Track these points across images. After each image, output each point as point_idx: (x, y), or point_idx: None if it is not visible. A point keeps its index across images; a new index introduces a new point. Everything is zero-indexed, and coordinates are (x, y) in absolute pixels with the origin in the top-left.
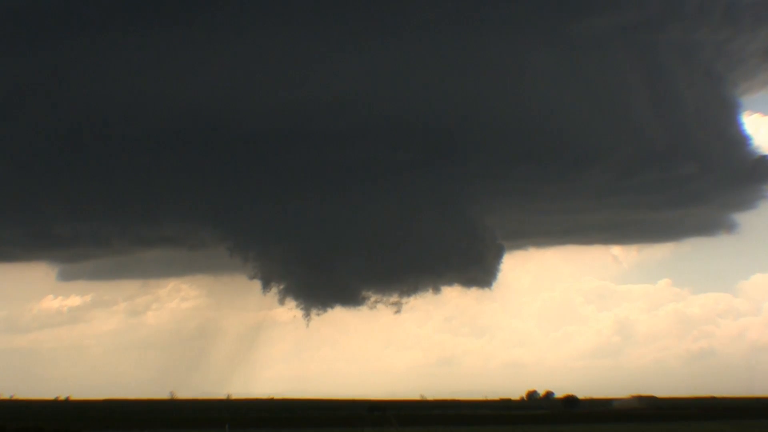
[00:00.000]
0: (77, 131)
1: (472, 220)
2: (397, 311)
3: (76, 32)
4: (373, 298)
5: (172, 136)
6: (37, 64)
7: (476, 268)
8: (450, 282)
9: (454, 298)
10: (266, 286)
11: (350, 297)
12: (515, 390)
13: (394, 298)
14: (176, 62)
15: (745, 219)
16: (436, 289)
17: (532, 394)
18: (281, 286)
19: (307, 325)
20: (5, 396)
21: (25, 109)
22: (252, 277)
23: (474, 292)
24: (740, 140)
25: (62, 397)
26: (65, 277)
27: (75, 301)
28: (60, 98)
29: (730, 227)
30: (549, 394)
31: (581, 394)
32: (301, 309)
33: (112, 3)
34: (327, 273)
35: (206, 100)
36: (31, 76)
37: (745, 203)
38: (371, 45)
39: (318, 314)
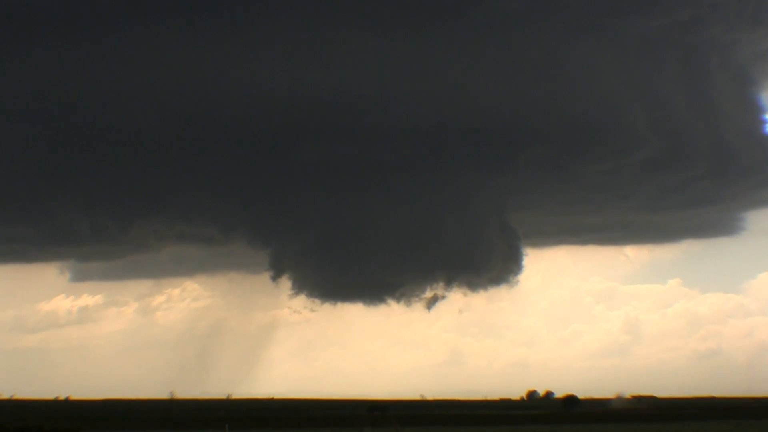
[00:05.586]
0: (91, 129)
1: (497, 219)
2: (432, 305)
3: (84, 31)
4: (404, 297)
5: (195, 131)
6: (44, 64)
7: (506, 265)
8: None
9: (462, 297)
10: (277, 278)
11: (377, 293)
12: (519, 390)
13: (440, 291)
14: (202, 55)
15: (753, 218)
16: (484, 287)
17: (532, 394)
18: (297, 280)
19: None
20: (5, 396)
21: (34, 109)
22: (273, 277)
23: (485, 291)
24: (760, 139)
25: (62, 397)
26: (78, 277)
27: (87, 300)
28: (72, 96)
29: (737, 227)
30: (549, 394)
31: (587, 394)
32: (316, 301)
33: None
34: (355, 268)
35: (232, 96)
36: (39, 76)
37: (755, 202)
38: (397, 42)
39: (334, 304)
